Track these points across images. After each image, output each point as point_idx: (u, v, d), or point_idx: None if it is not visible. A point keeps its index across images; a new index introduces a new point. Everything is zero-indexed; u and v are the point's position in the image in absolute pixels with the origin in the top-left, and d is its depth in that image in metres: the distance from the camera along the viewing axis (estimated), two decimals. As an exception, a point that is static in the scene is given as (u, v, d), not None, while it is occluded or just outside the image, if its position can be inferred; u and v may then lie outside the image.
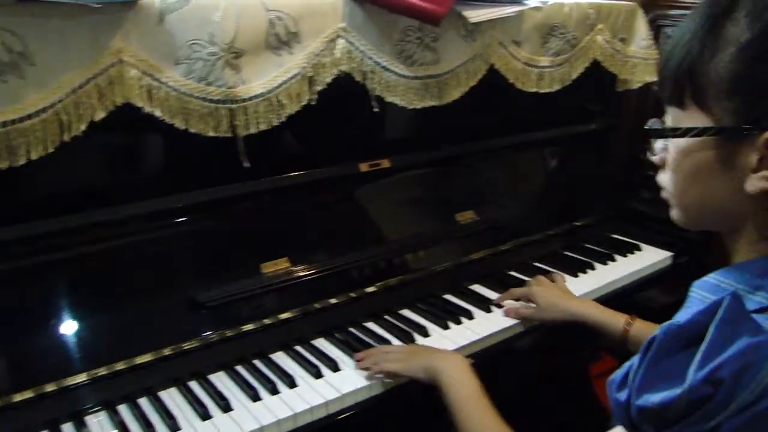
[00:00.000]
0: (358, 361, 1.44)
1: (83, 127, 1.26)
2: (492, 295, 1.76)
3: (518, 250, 1.97)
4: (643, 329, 1.48)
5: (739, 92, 0.77)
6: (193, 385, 1.38)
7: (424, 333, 1.57)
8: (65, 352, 1.31)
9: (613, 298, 1.79)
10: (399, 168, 1.83)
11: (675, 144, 0.85)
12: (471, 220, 1.90)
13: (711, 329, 0.72)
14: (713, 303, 0.74)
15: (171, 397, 1.35)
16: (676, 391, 0.71)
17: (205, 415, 1.28)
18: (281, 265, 1.55)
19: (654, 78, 2.25)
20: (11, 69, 1.16)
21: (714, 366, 0.69)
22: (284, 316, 1.52)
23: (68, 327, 1.33)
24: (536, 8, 1.95)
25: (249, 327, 1.48)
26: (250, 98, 1.44)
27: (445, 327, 1.60)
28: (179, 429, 1.26)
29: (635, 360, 0.79)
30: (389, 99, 1.67)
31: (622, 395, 0.79)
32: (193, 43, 1.35)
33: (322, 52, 1.53)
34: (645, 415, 0.75)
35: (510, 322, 1.65)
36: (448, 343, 1.53)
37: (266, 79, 1.46)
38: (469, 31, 1.80)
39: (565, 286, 1.77)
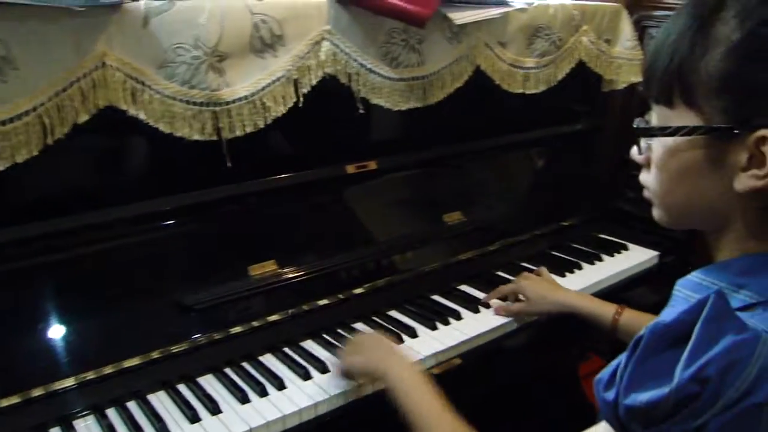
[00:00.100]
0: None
1: (66, 130, 1.26)
2: (480, 295, 1.76)
3: (506, 250, 1.97)
4: (633, 318, 1.51)
5: (729, 91, 0.77)
6: (182, 387, 1.38)
7: (413, 334, 1.57)
8: (52, 356, 1.30)
9: (601, 297, 1.79)
10: (386, 169, 1.83)
11: (662, 143, 0.85)
12: (458, 220, 1.91)
13: (697, 328, 0.72)
14: (699, 302, 0.74)
15: (160, 400, 1.35)
16: (663, 390, 0.72)
17: (194, 418, 1.28)
18: (269, 267, 1.55)
19: (639, 78, 2.26)
20: (-6, 72, 1.16)
21: (701, 364, 0.70)
22: (272, 318, 1.52)
23: (55, 331, 1.32)
24: (521, 10, 1.96)
25: (237, 329, 1.47)
26: (234, 101, 1.44)
27: (434, 328, 1.60)
28: (168, 432, 1.26)
29: (622, 359, 0.79)
30: (374, 101, 1.68)
31: (610, 394, 0.79)
32: (177, 47, 1.35)
33: (307, 55, 1.54)
34: (633, 414, 0.75)
35: (498, 322, 1.65)
36: (437, 344, 1.53)
37: (250, 81, 1.47)
38: (454, 33, 1.81)
39: (551, 278, 1.78)
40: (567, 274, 1.91)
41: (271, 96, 1.49)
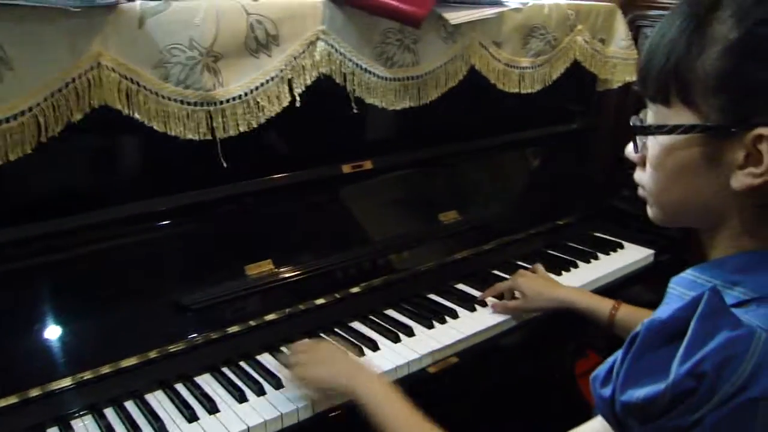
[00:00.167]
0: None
1: (60, 128, 1.26)
2: (476, 294, 1.77)
3: (501, 249, 1.98)
4: (629, 314, 1.52)
5: (727, 90, 0.77)
6: (180, 387, 1.38)
7: (409, 332, 1.57)
8: (50, 357, 1.31)
9: (597, 295, 1.81)
10: (382, 169, 1.84)
11: (658, 141, 0.85)
12: (454, 220, 1.91)
13: (692, 324, 0.73)
14: (694, 298, 0.74)
15: (157, 399, 1.35)
16: (660, 386, 0.72)
17: (191, 417, 1.28)
18: (265, 266, 1.56)
19: (634, 78, 2.27)
20: (-11, 74, 1.17)
21: (697, 360, 0.70)
22: (269, 317, 1.53)
23: (53, 331, 1.33)
24: (516, 10, 1.96)
25: (234, 329, 1.48)
26: (228, 101, 1.45)
27: (430, 326, 1.61)
28: (166, 431, 1.26)
29: (618, 355, 0.79)
30: (369, 100, 1.68)
31: (606, 391, 0.79)
32: (172, 47, 1.35)
33: (302, 55, 1.54)
34: (629, 410, 0.76)
35: (494, 320, 1.66)
36: (434, 343, 1.54)
37: (244, 81, 1.47)
38: (449, 33, 1.81)
39: (547, 275, 1.79)
40: (563, 272, 1.92)
41: (265, 96, 1.49)
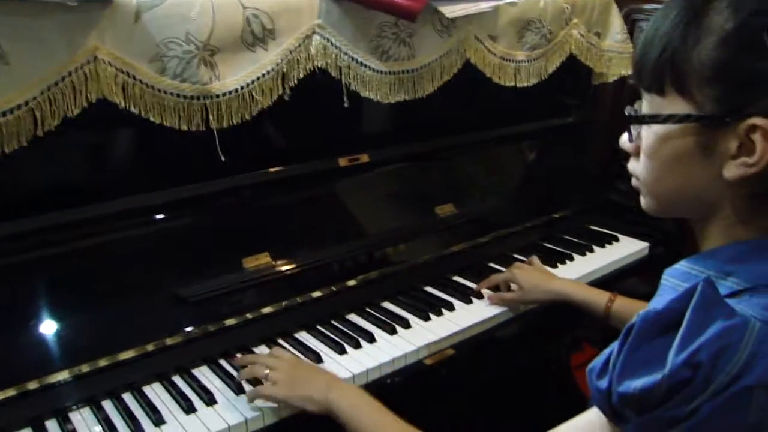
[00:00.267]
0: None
1: (56, 122, 1.27)
2: (473, 286, 1.78)
3: (498, 242, 1.99)
4: (625, 305, 1.53)
5: (722, 80, 0.78)
6: (177, 379, 1.39)
7: (406, 325, 1.58)
8: (48, 350, 1.31)
9: (592, 288, 1.81)
10: (378, 162, 1.84)
11: (652, 131, 0.85)
12: (450, 213, 1.92)
13: (687, 314, 0.73)
14: (688, 289, 0.75)
15: (155, 391, 1.36)
16: (656, 377, 0.73)
17: (189, 409, 1.29)
18: (263, 259, 1.56)
19: (629, 71, 2.28)
20: (-15, 68, 1.17)
21: (692, 350, 0.71)
22: (266, 310, 1.53)
23: (50, 324, 1.33)
24: (512, 3, 1.96)
25: (232, 322, 1.48)
26: (224, 94, 1.45)
27: (427, 318, 1.61)
28: (164, 423, 1.26)
29: (614, 347, 0.80)
30: (364, 94, 1.69)
31: (603, 383, 0.80)
32: (169, 41, 1.36)
33: (297, 49, 1.55)
34: (626, 401, 0.76)
35: (490, 312, 1.66)
36: (430, 335, 1.54)
37: (241, 75, 1.48)
38: (444, 27, 1.81)
39: (543, 267, 1.80)
40: (559, 265, 1.93)
41: (260, 89, 1.50)
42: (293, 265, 1.59)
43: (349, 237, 1.74)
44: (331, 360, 1.45)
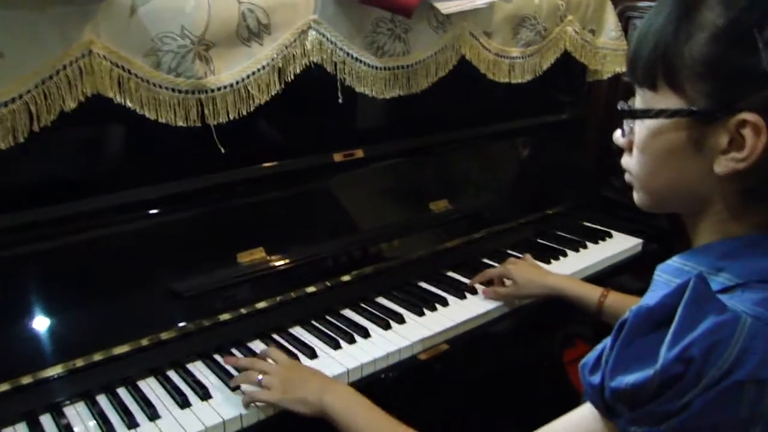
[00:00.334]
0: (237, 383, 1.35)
1: (53, 117, 1.26)
2: (467, 282, 1.79)
3: (492, 238, 1.99)
4: (617, 301, 1.54)
5: (712, 75, 0.78)
6: (172, 374, 1.39)
7: (400, 320, 1.58)
8: (41, 344, 1.31)
9: (586, 284, 1.82)
10: (373, 158, 1.85)
11: (645, 126, 0.86)
12: (445, 209, 1.92)
13: (679, 310, 0.74)
14: (680, 285, 0.76)
15: (150, 386, 1.36)
16: (648, 372, 0.73)
17: (184, 404, 1.29)
18: (257, 254, 1.56)
19: (623, 68, 2.28)
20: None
21: (684, 345, 0.72)
22: (261, 305, 1.53)
23: (45, 319, 1.33)
24: (507, 0, 1.96)
25: (226, 316, 1.49)
26: (219, 89, 1.45)
27: (421, 314, 1.62)
28: (159, 417, 1.26)
29: (607, 343, 0.80)
30: (359, 89, 1.69)
31: (596, 378, 0.80)
32: (164, 36, 1.35)
33: (293, 44, 1.55)
34: (619, 396, 0.77)
35: (484, 308, 1.67)
36: (424, 330, 1.55)
37: (236, 70, 1.48)
38: (440, 23, 1.82)
39: (536, 263, 1.81)
40: (552, 261, 1.94)
41: (255, 84, 1.50)
42: (288, 260, 1.59)
43: (343, 232, 1.74)
44: (325, 355, 1.45)
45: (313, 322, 1.58)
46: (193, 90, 1.41)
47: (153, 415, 1.26)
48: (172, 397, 1.32)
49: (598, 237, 2.09)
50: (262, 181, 1.64)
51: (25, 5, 1.19)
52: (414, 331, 1.55)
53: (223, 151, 1.48)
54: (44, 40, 1.23)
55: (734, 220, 0.84)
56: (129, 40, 1.32)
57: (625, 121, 0.90)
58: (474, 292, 1.74)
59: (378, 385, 1.41)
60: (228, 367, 1.40)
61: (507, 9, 1.97)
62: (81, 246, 1.42)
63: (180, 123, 1.41)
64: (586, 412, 0.86)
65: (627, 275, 2.02)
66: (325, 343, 1.50)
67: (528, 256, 1.83)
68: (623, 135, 0.92)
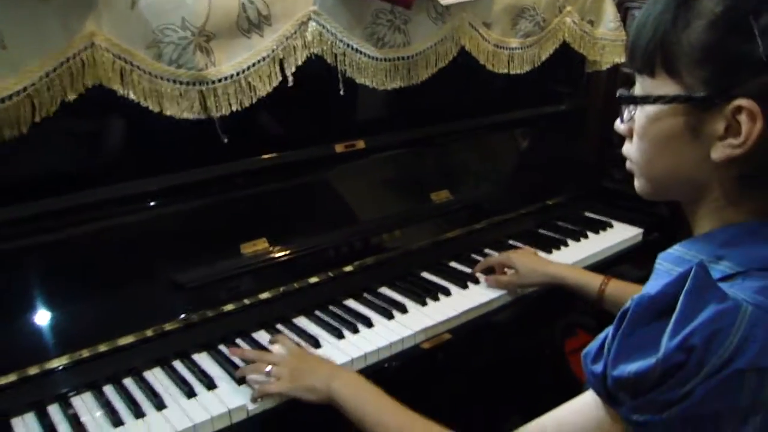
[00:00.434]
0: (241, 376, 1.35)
1: (55, 109, 1.27)
2: (468, 271, 1.79)
3: (493, 228, 2.00)
4: (618, 288, 1.55)
5: (710, 62, 0.79)
6: (177, 364, 1.40)
7: (403, 310, 1.59)
8: (47, 335, 1.32)
9: (587, 273, 1.83)
10: (374, 149, 1.85)
11: (644, 112, 0.87)
12: (446, 199, 1.93)
13: (681, 299, 0.75)
14: (682, 274, 0.77)
15: (155, 376, 1.37)
16: (650, 360, 0.74)
17: (190, 393, 1.30)
18: (260, 245, 1.57)
19: (622, 59, 2.29)
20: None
21: (686, 333, 0.73)
22: (264, 295, 1.54)
23: (51, 310, 1.34)
24: (505, -9, 1.97)
25: (230, 307, 1.49)
26: (220, 80, 1.46)
27: (423, 303, 1.63)
28: (165, 407, 1.27)
29: (609, 332, 0.81)
30: (360, 80, 1.70)
31: (598, 367, 0.81)
32: (165, 27, 1.36)
33: (293, 35, 1.55)
34: (621, 384, 0.78)
35: (486, 297, 1.68)
36: (427, 320, 1.56)
37: (236, 61, 1.48)
38: (439, 14, 1.82)
39: (536, 253, 1.82)
40: (553, 251, 1.94)
41: (257, 76, 1.51)
42: (290, 251, 1.60)
43: (345, 223, 1.75)
44: (329, 345, 1.46)
45: (317, 313, 1.59)
46: (195, 81, 1.41)
47: (159, 404, 1.27)
48: (178, 387, 1.32)
49: (598, 227, 2.10)
50: (265, 172, 1.65)
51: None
52: (416, 321, 1.55)
53: (225, 141, 1.48)
54: (47, 31, 1.23)
55: (732, 207, 0.85)
56: (131, 32, 1.33)
57: (626, 109, 0.91)
58: (476, 281, 1.75)
59: (381, 374, 1.41)
60: (234, 358, 1.41)
61: (506, 0, 1.97)
62: (86, 238, 1.43)
63: (182, 115, 1.42)
64: (588, 400, 0.87)
65: (628, 265, 2.02)
66: (328, 332, 1.51)
67: (527, 248, 1.84)
68: (622, 122, 0.93)
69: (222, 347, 1.46)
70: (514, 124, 2.25)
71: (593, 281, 1.59)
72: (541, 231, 2.09)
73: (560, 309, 1.94)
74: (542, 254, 1.86)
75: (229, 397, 1.30)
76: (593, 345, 0.84)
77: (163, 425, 1.23)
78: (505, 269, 1.74)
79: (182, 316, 1.44)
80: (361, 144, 1.82)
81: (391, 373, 1.45)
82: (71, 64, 1.27)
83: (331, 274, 1.65)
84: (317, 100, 1.71)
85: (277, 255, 1.58)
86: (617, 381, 0.78)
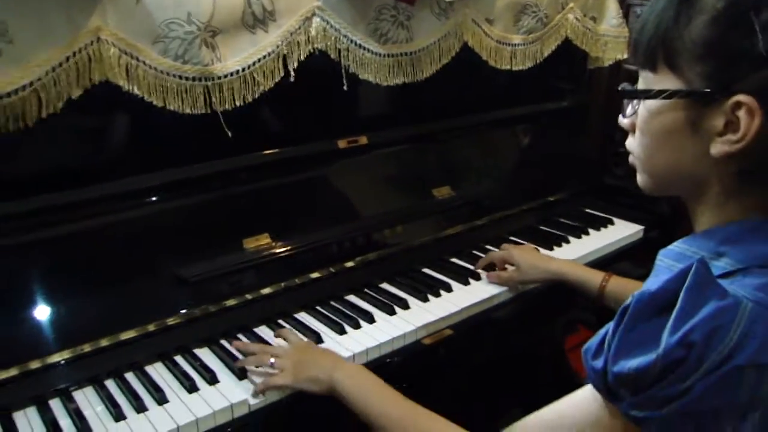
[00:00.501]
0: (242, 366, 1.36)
1: (61, 104, 1.27)
2: (470, 267, 1.80)
3: (494, 224, 2.01)
4: (619, 285, 1.56)
5: (710, 57, 0.80)
6: (179, 359, 1.40)
7: (405, 305, 1.60)
8: (49, 330, 1.32)
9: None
10: (377, 144, 1.85)
11: (646, 106, 0.88)
12: (448, 195, 1.94)
13: (681, 295, 0.75)
14: (682, 270, 0.77)
15: (157, 371, 1.37)
16: (651, 356, 0.75)
17: (192, 388, 1.30)
18: (263, 240, 1.57)
19: (625, 56, 2.29)
20: (-12, 46, 1.17)
21: (686, 330, 0.73)
22: (266, 290, 1.55)
23: (52, 305, 1.34)
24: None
25: (232, 302, 1.50)
26: (225, 76, 1.46)
27: (425, 299, 1.63)
28: (167, 401, 1.27)
29: (609, 327, 0.82)
30: (363, 76, 1.70)
31: (598, 363, 0.81)
32: (170, 22, 1.36)
33: (298, 31, 1.55)
34: (622, 380, 0.78)
35: (488, 293, 1.68)
36: (428, 315, 1.56)
37: (241, 57, 1.48)
38: (442, 10, 1.82)
39: (538, 249, 1.83)
40: (554, 247, 1.95)
41: (261, 71, 1.51)
42: (293, 246, 1.60)
43: (347, 218, 1.75)
44: (331, 340, 1.47)
45: (319, 308, 1.59)
46: (200, 77, 1.42)
47: (161, 399, 1.27)
48: (180, 382, 1.33)
49: (599, 224, 2.11)
50: (268, 168, 1.65)
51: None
52: (418, 317, 1.56)
53: (230, 135, 1.49)
54: (52, 25, 1.23)
55: (732, 203, 0.85)
56: (136, 27, 1.33)
57: (630, 104, 0.92)
58: (477, 277, 1.75)
59: (383, 369, 1.41)
60: (235, 352, 1.41)
61: (509, -4, 1.98)
62: (88, 233, 1.43)
63: (187, 110, 1.42)
64: (587, 394, 0.87)
65: (628, 262, 2.03)
66: (330, 328, 1.51)
67: (528, 245, 1.85)
68: (623, 116, 0.93)
69: (224, 342, 1.46)
70: (516, 121, 2.25)
71: (594, 278, 1.60)
72: (543, 227, 2.10)
73: (561, 305, 1.95)
74: (543, 251, 1.87)
75: (231, 392, 1.30)
76: (594, 340, 0.84)
77: (165, 420, 1.23)
78: (507, 265, 1.75)
79: (184, 310, 1.44)
80: (363, 140, 1.82)
81: (392, 368, 1.45)
82: (77, 59, 1.27)
83: (332, 269, 1.66)
84: (320, 95, 1.71)
85: (280, 250, 1.58)
86: (617, 377, 0.78)
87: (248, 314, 1.52)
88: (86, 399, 1.29)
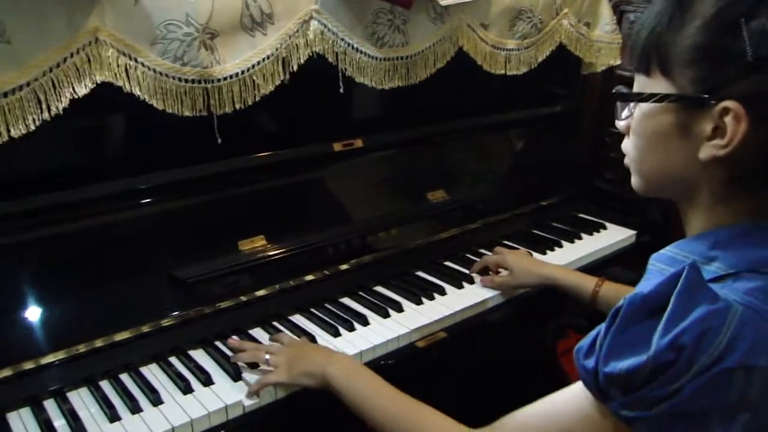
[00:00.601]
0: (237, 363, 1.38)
1: (62, 105, 1.27)
2: (464, 271, 1.81)
3: (488, 228, 2.01)
4: (612, 290, 1.56)
5: (700, 62, 0.81)
6: (174, 360, 1.40)
7: (399, 308, 1.60)
8: (43, 331, 1.32)
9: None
10: (372, 148, 1.86)
11: (639, 108, 0.90)
12: (442, 199, 1.94)
13: (672, 298, 0.76)
14: (674, 274, 0.78)
15: (152, 372, 1.37)
16: (641, 358, 0.76)
17: (186, 389, 1.30)
18: (258, 242, 1.57)
19: (618, 61, 2.31)
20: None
21: (676, 332, 0.74)
22: (261, 292, 1.55)
23: (46, 305, 1.34)
24: (503, -7, 1.98)
25: (227, 304, 1.50)
26: (224, 78, 1.46)
27: (419, 302, 1.64)
28: (162, 402, 1.28)
29: (601, 328, 0.83)
30: (359, 80, 1.71)
31: (589, 362, 0.83)
32: (169, 23, 1.36)
33: (296, 34, 1.56)
34: (612, 381, 0.79)
35: (481, 297, 1.69)
36: (423, 318, 1.57)
37: (240, 59, 1.49)
38: (438, 14, 1.83)
39: (531, 254, 1.83)
40: (547, 251, 1.96)
41: (260, 74, 1.51)
42: (288, 249, 1.60)
43: (343, 221, 1.75)
44: (325, 342, 1.47)
45: (313, 310, 1.60)
46: (200, 79, 1.42)
47: (156, 400, 1.27)
48: (175, 383, 1.33)
49: (592, 228, 2.12)
50: (263, 170, 1.65)
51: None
52: (412, 319, 1.56)
53: (222, 139, 1.49)
54: (51, 26, 1.23)
55: (722, 208, 0.87)
56: (135, 28, 1.33)
57: (626, 107, 0.94)
58: (470, 281, 1.76)
59: (377, 372, 1.41)
60: (226, 350, 1.42)
61: (504, 1, 1.99)
62: (82, 233, 1.43)
63: (186, 113, 1.43)
64: (578, 392, 0.88)
65: (620, 266, 2.04)
66: (324, 330, 1.51)
67: (523, 250, 1.86)
68: (617, 119, 0.95)
69: (219, 343, 1.46)
70: (510, 125, 2.26)
71: (587, 283, 1.61)
72: (536, 231, 2.11)
73: (553, 310, 1.96)
74: (536, 255, 1.88)
75: (226, 393, 1.30)
76: (585, 340, 0.86)
77: (160, 421, 1.23)
78: (500, 269, 1.76)
79: (179, 312, 1.44)
80: (359, 143, 1.83)
81: (386, 370, 1.44)
82: (76, 60, 1.27)
83: (327, 272, 1.66)
84: (316, 98, 1.71)
85: (274, 252, 1.59)
86: (608, 377, 0.79)
87: (243, 316, 1.53)
88: (81, 400, 1.29)
